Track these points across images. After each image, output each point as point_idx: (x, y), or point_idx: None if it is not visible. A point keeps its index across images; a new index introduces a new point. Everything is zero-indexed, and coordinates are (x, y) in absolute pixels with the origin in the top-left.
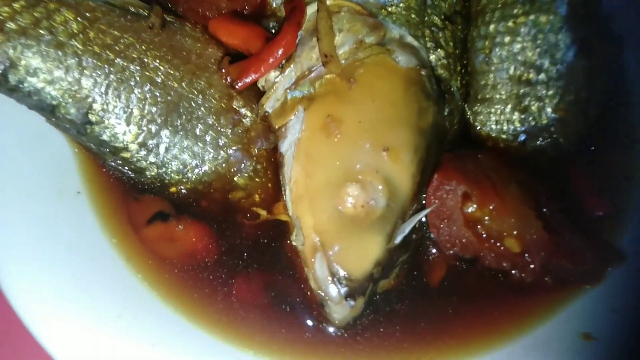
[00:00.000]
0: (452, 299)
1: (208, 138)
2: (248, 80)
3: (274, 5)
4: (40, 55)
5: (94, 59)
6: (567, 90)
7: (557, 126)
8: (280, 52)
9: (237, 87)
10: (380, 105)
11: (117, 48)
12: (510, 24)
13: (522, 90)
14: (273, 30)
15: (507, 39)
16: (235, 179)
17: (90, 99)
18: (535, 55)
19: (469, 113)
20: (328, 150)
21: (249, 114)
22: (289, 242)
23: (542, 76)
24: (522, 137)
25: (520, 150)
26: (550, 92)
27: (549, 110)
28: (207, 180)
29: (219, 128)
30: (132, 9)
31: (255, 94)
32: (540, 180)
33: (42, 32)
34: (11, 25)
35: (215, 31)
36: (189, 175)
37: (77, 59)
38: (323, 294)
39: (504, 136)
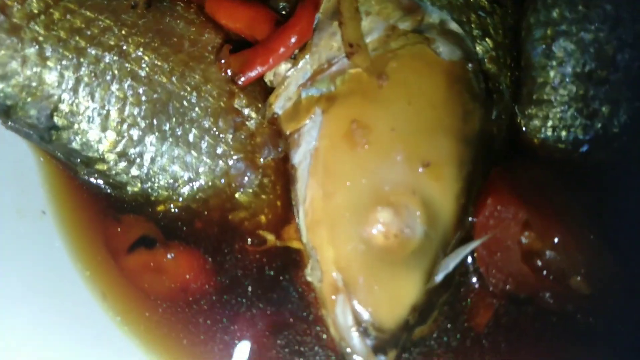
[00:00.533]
0: (502, 346)
1: (204, 145)
2: (253, 74)
3: None
4: None
5: (59, 47)
6: None
7: (631, 136)
8: (293, 39)
9: (239, 82)
10: (418, 108)
11: (89, 33)
12: (580, 7)
13: (591, 91)
14: (284, 12)
15: (575, 27)
16: (236, 195)
17: (55, 98)
18: (612, 48)
19: (519, 116)
20: (353, 164)
21: (253, 115)
22: (302, 276)
23: (619, 75)
24: (585, 147)
25: (581, 163)
26: (629, 94)
27: (624, 117)
28: (202, 197)
29: (217, 133)
30: None
31: (261, 90)
32: (605, 202)
33: None
34: None
35: (213, 12)
36: (181, 190)
37: (37, 47)
38: (346, 346)
39: (561, 145)
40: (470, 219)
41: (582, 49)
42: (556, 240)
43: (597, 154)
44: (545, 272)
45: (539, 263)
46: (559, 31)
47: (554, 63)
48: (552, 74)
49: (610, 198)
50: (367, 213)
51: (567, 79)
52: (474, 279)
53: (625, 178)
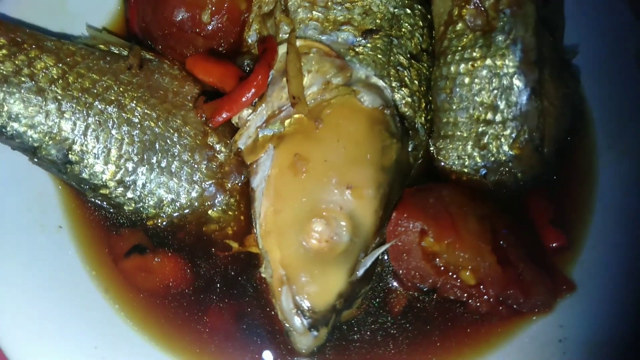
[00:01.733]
0: (412, 327)
1: (183, 174)
2: (221, 118)
3: (250, 42)
4: (22, 101)
5: (73, 103)
6: (521, 130)
7: (514, 162)
8: (251, 92)
9: (211, 124)
10: (345, 144)
11: (95, 91)
12: (469, 66)
13: (480, 129)
14: (247, 69)
15: (466, 80)
16: (209, 212)
17: (69, 141)
18: (491, 97)
19: (432, 148)
20: (295, 187)
21: (223, 149)
22: (259, 273)
23: (498, 116)
24: (483, 172)
25: (481, 183)
26: (506, 132)
27: (505, 148)
28: (182, 214)
29: (193, 164)
30: (113, 49)
31: (229, 129)
32: (500, 212)
33: (23, 79)
34: None
35: (192, 69)
36: (166, 209)
37: (57, 103)
38: (288, 325)
39: (465, 170)
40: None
41: (472, 98)
42: (447, 242)
43: (492, 176)
44: (442, 268)
45: (438, 261)
46: (455, 83)
47: (454, 107)
48: (452, 115)
49: (502, 207)
50: (305, 224)
51: (464, 120)
52: (390, 274)
53: (513, 192)
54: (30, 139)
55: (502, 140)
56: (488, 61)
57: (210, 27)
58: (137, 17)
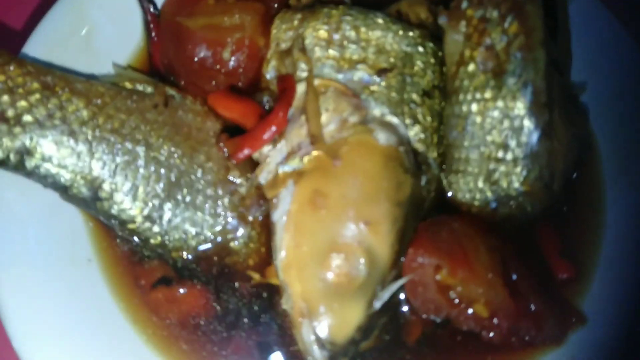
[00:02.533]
0: (427, 357)
1: (207, 207)
2: (243, 154)
3: (268, 78)
4: (54, 143)
5: (103, 144)
6: (531, 169)
7: (524, 197)
8: (272, 129)
9: (233, 160)
10: (362, 181)
11: (124, 131)
12: (480, 106)
13: (491, 166)
14: (267, 105)
15: (478, 119)
16: (231, 244)
17: (100, 180)
18: (502, 136)
19: (444, 182)
20: (315, 222)
21: (244, 183)
22: (280, 305)
23: (509, 155)
24: (493, 205)
25: (491, 215)
26: (517, 170)
27: (516, 185)
28: (206, 247)
29: (216, 198)
30: (138, 86)
31: (250, 164)
32: (510, 244)
33: (56, 122)
34: (28, 118)
35: (214, 105)
36: (190, 242)
37: (87, 145)
38: (309, 356)
39: (476, 203)
40: (403, 259)
41: (483, 137)
42: (462, 276)
43: (502, 209)
44: (456, 301)
45: (452, 294)
46: (467, 122)
47: (465, 144)
48: (464, 152)
49: (512, 238)
50: (324, 259)
51: (475, 157)
52: (406, 306)
53: (523, 224)
54: (62, 179)
55: (513, 177)
56: (499, 102)
57: (230, 64)
58: (160, 54)
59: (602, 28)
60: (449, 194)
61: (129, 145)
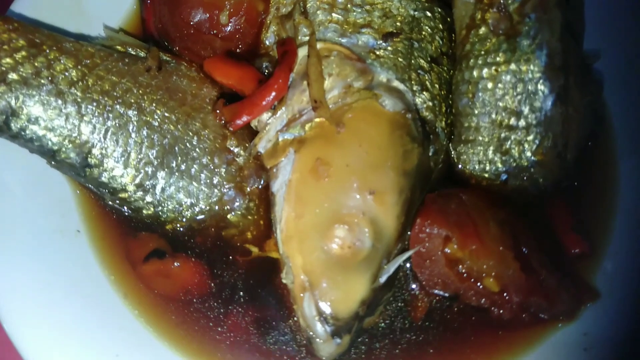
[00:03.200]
0: (435, 333)
1: (202, 177)
2: (241, 121)
3: (267, 43)
4: (41, 104)
5: (92, 106)
6: (545, 136)
7: (536, 168)
8: (272, 95)
9: (231, 128)
10: (367, 149)
11: (115, 94)
12: (492, 71)
13: (503, 134)
14: (266, 71)
15: (489, 85)
16: (228, 216)
17: (89, 144)
18: (515, 102)
19: (453, 153)
20: (317, 192)
21: (242, 153)
22: (279, 279)
23: (521, 122)
24: (504, 177)
25: (501, 189)
26: (530, 137)
27: (528, 154)
28: (201, 218)
29: (213, 167)
30: (130, 50)
31: (248, 133)
32: (521, 218)
33: (42, 81)
34: (13, 75)
35: (210, 71)
36: (185, 213)
37: (76, 106)
38: (311, 332)
39: (486, 175)
40: (409, 232)
41: (495, 103)
42: (471, 249)
43: (513, 181)
44: (465, 275)
45: (461, 268)
46: (478, 88)
47: (475, 112)
48: (474, 120)
49: (523, 213)
50: (327, 230)
51: (486, 125)
52: (412, 281)
53: (534, 198)
54: (50, 142)
55: (525, 146)
56: (512, 66)
57: (228, 29)
58: (154, 18)
59: None
60: (458, 166)
61: (120, 108)
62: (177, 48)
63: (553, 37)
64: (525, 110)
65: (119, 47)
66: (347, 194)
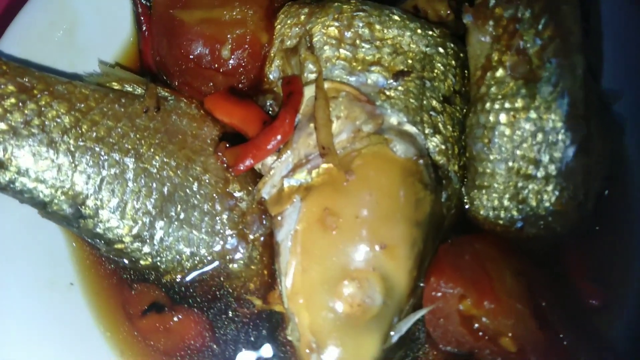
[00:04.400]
0: None
1: (203, 225)
2: (244, 166)
3: (271, 78)
4: (32, 155)
5: (87, 155)
6: (565, 187)
7: (554, 217)
8: (277, 139)
9: (233, 172)
10: (377, 199)
11: (111, 140)
12: (510, 117)
13: (520, 183)
14: (270, 110)
15: (507, 131)
16: (230, 266)
17: (83, 195)
18: (534, 151)
19: (466, 198)
20: (325, 245)
21: (245, 197)
22: (284, 334)
23: (541, 172)
24: (519, 224)
25: (517, 236)
26: (549, 188)
27: (547, 204)
28: (202, 268)
29: (214, 214)
30: (127, 87)
31: (251, 175)
32: (536, 267)
33: (33, 130)
34: (1, 125)
35: (212, 109)
36: (184, 263)
37: (69, 156)
38: None
39: (500, 222)
40: (421, 285)
41: (512, 150)
42: (487, 307)
43: (529, 229)
44: (481, 333)
45: (476, 326)
46: (494, 133)
47: (491, 157)
48: (489, 166)
49: (538, 260)
50: (336, 286)
51: (502, 172)
52: (425, 339)
53: (549, 249)
54: (41, 194)
55: (544, 196)
56: (532, 114)
57: (230, 63)
58: (152, 50)
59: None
60: (471, 212)
61: (116, 155)
62: (177, 83)
63: (575, 84)
64: (545, 159)
65: (115, 84)
66: (357, 248)
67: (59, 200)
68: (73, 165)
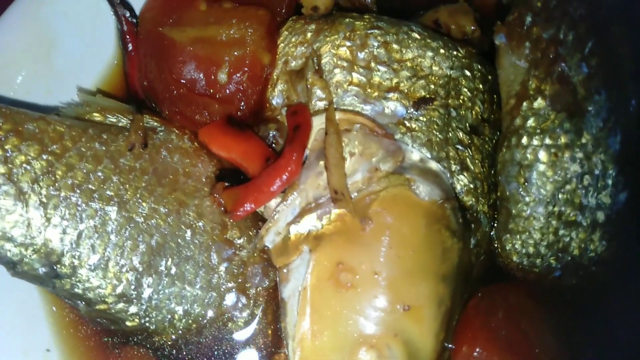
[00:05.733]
0: None
1: (198, 279)
2: (244, 211)
3: (274, 104)
4: None
5: (61, 206)
6: (614, 236)
7: (599, 267)
8: (283, 179)
9: (232, 218)
10: (399, 252)
11: (90, 187)
12: (551, 155)
13: (561, 230)
14: (273, 142)
15: (548, 172)
16: (229, 325)
17: (57, 253)
18: (580, 195)
19: (496, 242)
20: (338, 305)
21: (245, 245)
22: None
23: (587, 219)
24: (557, 273)
25: (554, 285)
26: (595, 237)
27: (592, 254)
28: (196, 328)
29: (210, 266)
30: (110, 117)
31: (252, 219)
32: (579, 322)
33: None
34: None
35: (207, 142)
36: (177, 324)
37: (41, 208)
38: None
39: (536, 270)
40: (449, 345)
41: (553, 193)
42: None
43: (568, 279)
44: None
45: None
46: (532, 173)
47: (528, 200)
48: (525, 209)
49: (580, 320)
50: (352, 354)
51: (540, 216)
52: None
53: (592, 301)
54: (9, 253)
55: (590, 246)
56: (578, 153)
57: (228, 89)
58: (139, 73)
59: None
60: (501, 257)
61: (96, 205)
62: (167, 111)
63: (629, 118)
64: (592, 205)
65: (96, 115)
66: (376, 309)
67: (29, 260)
68: (45, 218)
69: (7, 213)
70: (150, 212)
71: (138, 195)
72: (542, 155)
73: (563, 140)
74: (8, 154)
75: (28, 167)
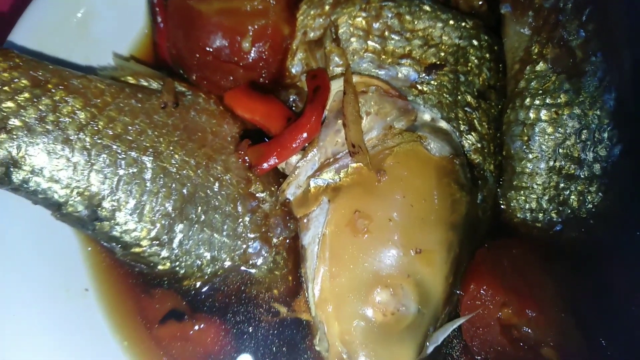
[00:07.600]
0: None
1: (225, 228)
2: (268, 165)
3: (294, 72)
4: (46, 153)
5: (104, 153)
6: (610, 188)
7: (597, 220)
8: (303, 137)
9: (256, 172)
10: (412, 201)
11: (128, 137)
12: (552, 113)
13: (561, 184)
14: (293, 105)
15: (548, 129)
16: (253, 271)
17: (99, 196)
18: (578, 150)
19: (501, 199)
20: (355, 249)
21: (268, 198)
22: (311, 345)
23: (585, 172)
24: (558, 227)
25: (555, 239)
26: (593, 189)
27: (589, 206)
28: (223, 273)
29: (236, 216)
30: (143, 81)
31: (274, 174)
32: (579, 274)
33: (48, 127)
34: (15, 121)
35: (232, 105)
36: (205, 269)
37: (85, 154)
38: None
39: (538, 224)
40: (457, 292)
41: (554, 149)
42: (530, 316)
43: (569, 233)
44: (521, 343)
45: (515, 334)
46: (534, 130)
47: (530, 156)
48: (528, 166)
49: (579, 273)
50: (368, 293)
51: (542, 172)
52: (461, 349)
53: (590, 254)
54: (55, 195)
55: (587, 197)
56: (576, 110)
57: (250, 56)
58: (168, 43)
59: None
60: (506, 213)
61: (134, 154)
62: (194, 77)
63: (623, 78)
64: (590, 158)
65: (130, 78)
66: (390, 253)
67: (74, 201)
68: (89, 164)
69: (56, 157)
70: (182, 163)
71: (171, 148)
72: (544, 113)
73: (563, 99)
74: (57, 105)
75: (74, 117)
